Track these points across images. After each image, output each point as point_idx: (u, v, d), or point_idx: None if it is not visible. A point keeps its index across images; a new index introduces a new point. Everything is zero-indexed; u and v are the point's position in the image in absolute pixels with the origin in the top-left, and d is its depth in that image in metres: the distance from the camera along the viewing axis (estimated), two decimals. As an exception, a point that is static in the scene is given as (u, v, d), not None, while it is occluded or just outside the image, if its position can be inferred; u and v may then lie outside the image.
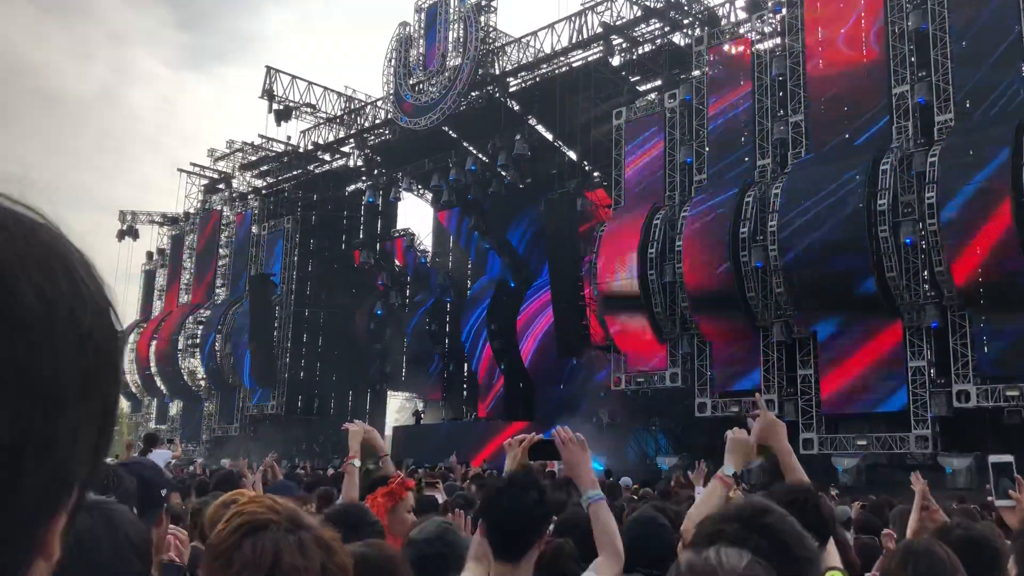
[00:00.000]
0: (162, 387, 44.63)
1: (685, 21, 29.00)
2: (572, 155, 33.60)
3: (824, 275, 22.18)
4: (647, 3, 28.95)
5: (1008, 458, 3.93)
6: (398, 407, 47.89)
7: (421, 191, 40.65)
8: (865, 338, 22.10)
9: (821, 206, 22.21)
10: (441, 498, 7.92)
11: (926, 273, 21.49)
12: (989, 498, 3.96)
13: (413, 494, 4.04)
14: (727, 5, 28.41)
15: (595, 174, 33.14)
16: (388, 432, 42.11)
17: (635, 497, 10.79)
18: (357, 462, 4.46)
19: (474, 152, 35.05)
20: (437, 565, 2.79)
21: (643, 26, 29.66)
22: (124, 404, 54.62)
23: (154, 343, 44.23)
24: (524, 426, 24.30)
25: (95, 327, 0.61)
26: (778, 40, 25.63)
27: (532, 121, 33.88)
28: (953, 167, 20.52)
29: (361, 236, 41.81)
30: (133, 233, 47.19)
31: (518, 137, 32.14)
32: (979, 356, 20.47)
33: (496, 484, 2.86)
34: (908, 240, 21.16)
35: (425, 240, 42.43)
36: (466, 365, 39.85)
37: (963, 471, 19.57)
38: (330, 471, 20.87)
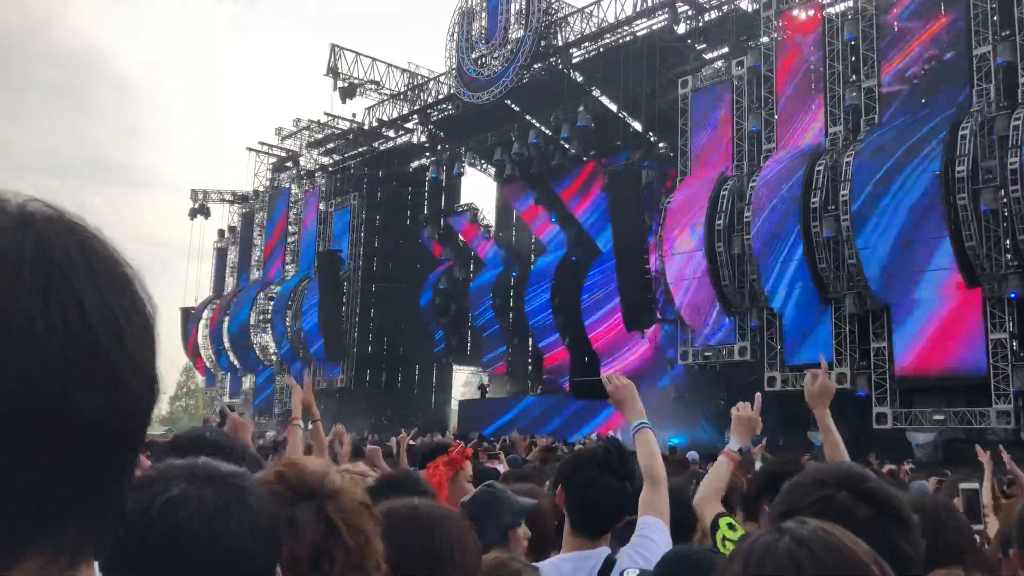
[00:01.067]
0: (235, 362, 45.72)
1: (753, -15, 28.22)
2: (637, 126, 33.12)
3: (899, 245, 21.51)
4: (713, -32, 28.27)
5: None
6: (464, 381, 48.32)
7: (484, 166, 40.61)
8: (942, 309, 21.38)
9: (895, 174, 21.50)
10: (503, 469, 7.92)
11: (1008, 242, 20.65)
12: None
13: (471, 464, 4.03)
14: (797, -33, 27.52)
15: (660, 145, 32.63)
16: (454, 406, 42.58)
17: (700, 471, 10.66)
18: (299, 423, 4.67)
19: (537, 125, 34.83)
20: (488, 510, 2.78)
21: (709, -8, 28.98)
22: (199, 379, 56.21)
23: (226, 319, 45.31)
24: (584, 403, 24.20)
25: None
26: (850, 3, 24.77)
27: (595, 92, 33.50)
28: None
29: (426, 211, 42.03)
30: (205, 212, 48.31)
31: (581, 108, 31.81)
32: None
33: (574, 454, 2.88)
34: (985, 208, 20.33)
35: (488, 215, 42.46)
36: (531, 340, 39.86)
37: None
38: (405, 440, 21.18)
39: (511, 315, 40.72)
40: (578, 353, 35.29)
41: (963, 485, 4.09)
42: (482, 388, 41.16)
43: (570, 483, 2.85)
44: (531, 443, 17.45)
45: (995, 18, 21.48)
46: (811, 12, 25.47)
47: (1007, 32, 21.28)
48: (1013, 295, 20.35)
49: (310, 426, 5.10)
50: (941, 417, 21.16)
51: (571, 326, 35.36)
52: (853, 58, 24.13)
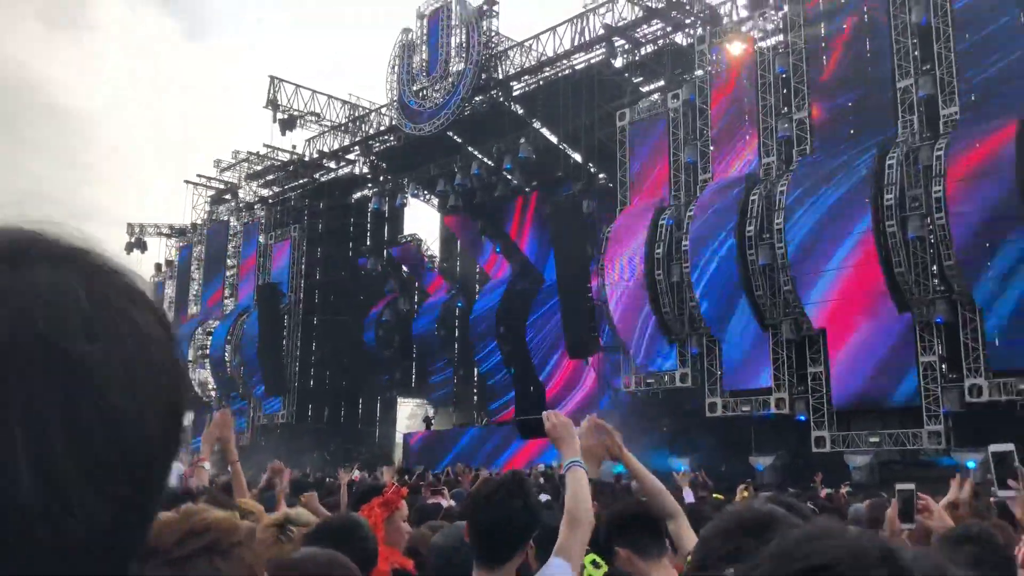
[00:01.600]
0: (173, 398, 44.64)
1: (687, 21, 28.93)
2: (577, 157, 33.57)
3: (832, 271, 22.09)
4: (648, 4, 28.91)
5: (1008, 447, 3.90)
6: (408, 414, 47.88)
7: (427, 196, 40.66)
8: (875, 334, 21.96)
9: (827, 203, 22.13)
10: (446, 504, 7.89)
11: (935, 268, 21.34)
12: (992, 488, 3.92)
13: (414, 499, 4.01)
14: (729, 3, 28.34)
15: (600, 176, 33.08)
16: (398, 439, 42.17)
17: (643, 499, 10.74)
18: (206, 465, 4.48)
19: (479, 156, 35.06)
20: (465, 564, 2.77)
21: (645, 27, 29.61)
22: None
23: (164, 354, 44.28)
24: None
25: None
26: (781, 37, 25.56)
27: (536, 124, 33.87)
28: (960, 160, 20.39)
29: (368, 243, 41.82)
30: (142, 245, 47.36)
31: (523, 140, 32.13)
32: (990, 350, 20.32)
33: (482, 489, 2.84)
34: (912, 235, 21.02)
35: (432, 245, 42.45)
36: (476, 370, 39.79)
37: (980, 466, 19.41)
38: (346, 478, 20.88)
39: (456, 345, 40.63)
40: (524, 383, 35.34)
41: (899, 486, 4.17)
42: (427, 420, 40.89)
43: (472, 514, 2.80)
44: (476, 476, 17.39)
45: (916, 53, 22.36)
46: (744, 46, 26.18)
47: (927, 66, 22.15)
48: (940, 320, 21.01)
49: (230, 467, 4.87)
50: (876, 439, 21.66)
51: (517, 356, 35.42)
52: (785, 90, 24.84)
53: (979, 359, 20.29)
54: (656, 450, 25.15)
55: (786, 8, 25.17)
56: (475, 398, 40.92)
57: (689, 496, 8.54)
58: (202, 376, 43.42)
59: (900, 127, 22.16)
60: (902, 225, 21.19)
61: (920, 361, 21.12)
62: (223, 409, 4.82)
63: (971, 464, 19.17)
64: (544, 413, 3.24)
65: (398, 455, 38.60)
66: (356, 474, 19.54)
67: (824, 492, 16.03)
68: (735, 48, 26.29)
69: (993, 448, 3.92)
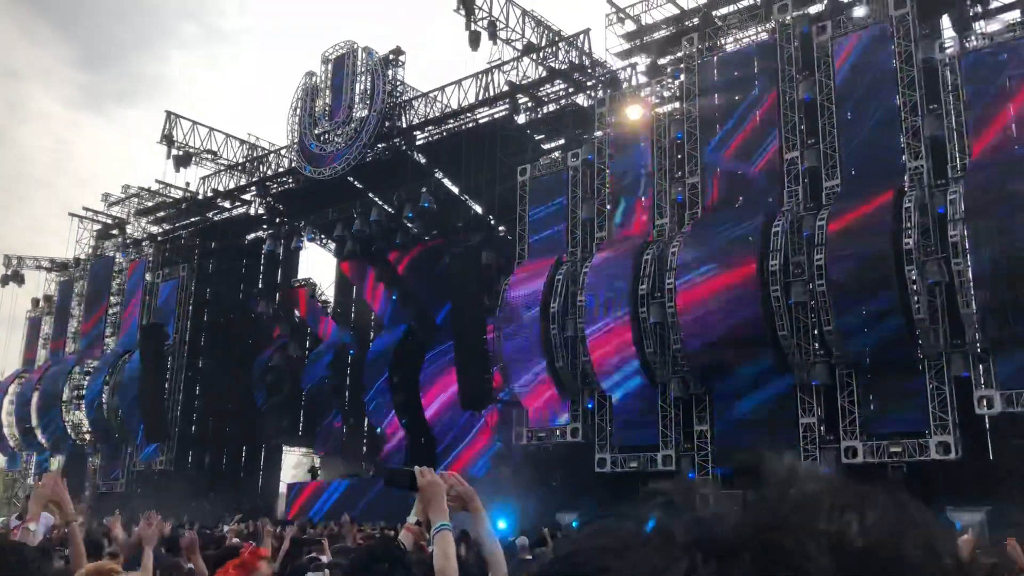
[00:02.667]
0: (43, 441, 42.26)
1: (588, 83, 29.76)
2: (478, 209, 33.82)
3: (719, 332, 22.73)
4: (551, 64, 29.64)
5: None
6: (295, 463, 46.55)
7: (324, 241, 40.12)
8: (758, 396, 22.64)
9: (715, 265, 22.85)
10: (326, 559, 7.62)
11: (815, 332, 22.21)
12: None
13: (269, 563, 3.81)
14: (628, 69, 29.31)
15: (500, 228, 33.38)
16: (283, 489, 40.87)
17: (529, 558, 10.67)
18: (33, 526, 4.08)
19: (379, 203, 34.91)
20: None
21: (548, 86, 30.30)
22: (0, 459, 51.55)
23: (36, 394, 41.99)
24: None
25: None
26: (677, 104, 26.52)
27: (438, 174, 34.03)
28: (839, 230, 21.42)
29: (260, 286, 40.86)
30: (19, 278, 45.14)
31: (424, 190, 32.19)
32: (865, 413, 21.19)
33: (357, 558, 2.75)
34: (792, 300, 21.89)
35: (327, 291, 41.78)
36: (366, 420, 39.09)
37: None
38: (224, 528, 20.05)
39: (347, 394, 39.88)
40: (415, 433, 34.89)
41: None
42: (312, 470, 39.81)
43: None
44: (359, 530, 16.93)
45: (802, 127, 23.54)
46: (642, 111, 27.04)
47: (812, 140, 23.34)
48: (815, 382, 21.84)
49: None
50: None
51: (409, 406, 34.99)
52: (679, 155, 25.70)
53: (855, 422, 21.12)
54: (546, 505, 25.13)
55: (683, 77, 26.17)
56: (364, 448, 40.13)
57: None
58: (77, 418, 41.24)
59: (786, 196, 23.19)
60: (785, 290, 22.03)
61: (800, 422, 21.84)
62: (49, 472, 4.50)
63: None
64: (418, 469, 3.19)
65: (281, 506, 37.37)
66: (233, 527, 18.79)
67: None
68: (633, 112, 27.13)
69: None
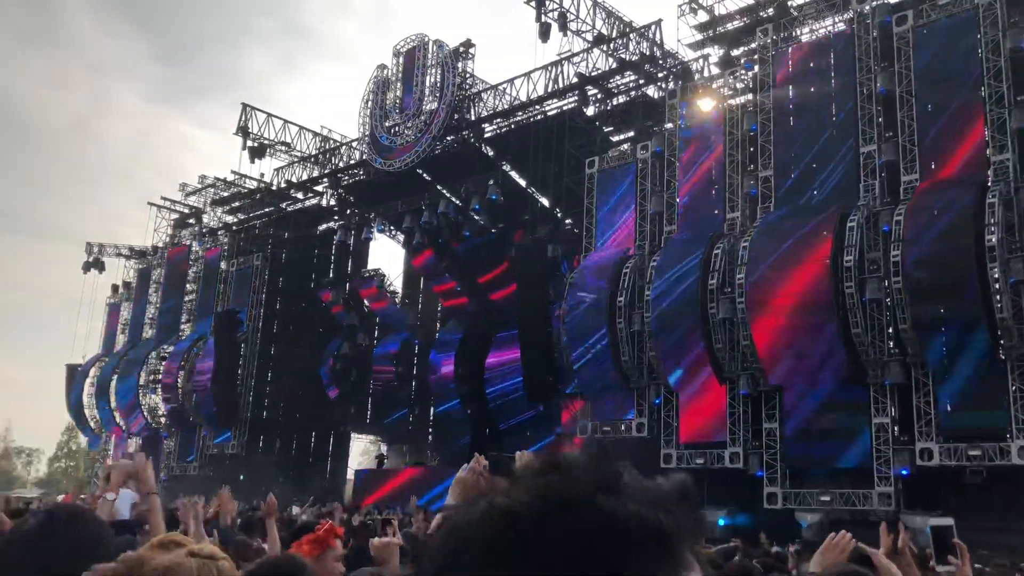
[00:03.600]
0: (121, 423, 43.72)
1: (659, 75, 29.45)
2: (544, 201, 33.79)
3: (790, 329, 22.31)
4: (622, 56, 29.39)
5: (948, 521, 3.86)
6: (362, 450, 47.36)
7: (393, 232, 40.59)
8: (830, 393, 22.16)
9: (788, 260, 22.41)
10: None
11: (890, 330, 21.64)
12: (931, 563, 3.86)
13: (341, 542, 3.87)
14: (700, 60, 28.90)
15: (567, 221, 33.30)
16: (350, 475, 41.55)
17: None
18: (111, 495, 4.23)
19: (447, 195, 35.14)
20: None
21: (617, 78, 30.08)
22: (82, 439, 53.45)
23: (115, 378, 43.45)
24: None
25: None
26: (750, 96, 26.06)
27: (506, 167, 34.09)
28: (919, 225, 20.81)
29: (331, 275, 41.56)
30: (99, 265, 46.70)
31: (491, 182, 32.28)
32: (942, 414, 20.57)
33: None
34: (866, 297, 21.35)
35: (395, 281, 42.29)
36: (432, 409, 39.46)
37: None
38: (295, 510, 20.47)
39: (414, 383, 40.32)
40: (480, 425, 35.10)
41: (933, 522, 3.99)
42: (380, 458, 40.35)
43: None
44: (427, 514, 17.09)
45: (880, 119, 22.90)
46: (713, 103, 26.66)
47: (890, 133, 22.68)
48: (887, 382, 21.27)
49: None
50: (828, 498, 21.72)
51: (474, 397, 35.22)
52: (752, 148, 25.26)
53: (931, 423, 20.52)
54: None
55: (756, 69, 25.71)
56: (430, 437, 40.54)
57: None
58: (152, 402, 42.57)
59: (862, 191, 22.61)
60: (860, 287, 21.50)
61: (873, 422, 21.32)
62: (140, 453, 4.57)
63: (928, 530, 19.21)
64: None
65: (348, 491, 38.00)
66: (297, 510, 19.18)
67: (774, 551, 16.01)
68: (705, 104, 26.76)
69: (933, 523, 3.88)
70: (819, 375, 22.30)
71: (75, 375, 46.09)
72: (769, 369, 22.89)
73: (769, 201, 24.37)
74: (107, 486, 4.46)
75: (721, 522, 21.87)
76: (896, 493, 20.66)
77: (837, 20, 25.02)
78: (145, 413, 42.51)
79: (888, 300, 21.36)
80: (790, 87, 24.94)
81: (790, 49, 25.24)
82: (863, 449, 21.31)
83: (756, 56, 25.93)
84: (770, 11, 26.68)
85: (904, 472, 20.66)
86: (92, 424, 45.84)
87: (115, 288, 47.85)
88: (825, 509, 21.75)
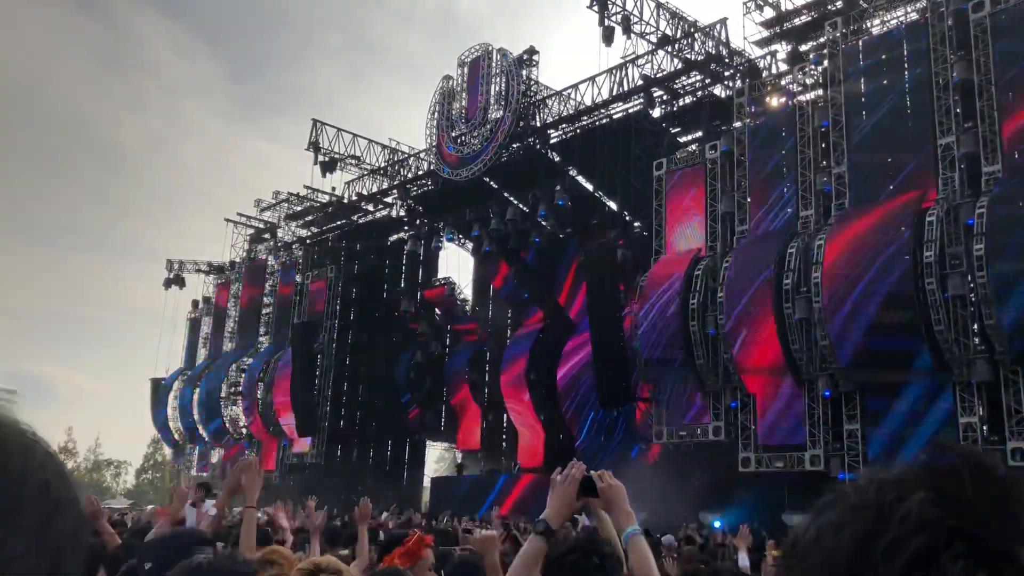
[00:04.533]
0: (204, 435, 44.98)
1: (726, 73, 29.11)
2: (612, 205, 33.67)
3: (870, 327, 21.79)
4: (688, 56, 29.14)
5: None
6: (437, 457, 47.74)
7: (462, 241, 40.93)
8: (914, 392, 21.56)
9: (866, 257, 21.90)
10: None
11: (975, 327, 20.96)
12: None
13: (433, 551, 3.94)
14: (768, 57, 28.49)
15: (636, 224, 33.11)
16: (426, 483, 41.96)
17: (675, 556, 10.56)
18: (213, 509, 4.42)
19: (515, 202, 35.28)
20: None
21: (683, 78, 29.83)
22: (167, 451, 55.11)
23: (197, 391, 44.73)
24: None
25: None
26: (820, 92, 25.57)
27: (572, 172, 34.07)
28: (1002, 219, 20.13)
29: (403, 285, 42.10)
30: (180, 282, 48.16)
31: (558, 188, 32.31)
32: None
33: (559, 548, 2.82)
34: (948, 294, 20.72)
35: (465, 289, 42.60)
36: (505, 416, 39.59)
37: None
38: (383, 516, 20.78)
39: (486, 390, 40.52)
40: (553, 430, 35.08)
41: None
42: (459, 466, 40.63)
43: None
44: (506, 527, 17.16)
45: (958, 110, 22.22)
46: (782, 100, 26.24)
47: (969, 124, 21.98)
48: (973, 380, 20.58)
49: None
50: (914, 501, 21.10)
51: (546, 402, 35.21)
52: (823, 144, 24.77)
53: (1022, 422, 19.80)
54: (688, 505, 24.79)
55: (826, 63, 25.21)
56: (503, 444, 40.67)
57: (744, 559, 8.33)
58: (234, 413, 43.68)
59: (941, 184, 21.96)
60: (941, 283, 20.88)
61: (960, 422, 20.66)
62: (251, 456, 4.74)
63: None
64: (596, 473, 3.09)
65: (425, 499, 38.38)
66: (386, 515, 19.47)
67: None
68: (774, 101, 26.36)
69: None
70: (901, 374, 21.71)
71: (159, 389, 47.61)
72: (849, 370, 22.37)
73: (844, 198, 23.85)
74: (199, 495, 4.63)
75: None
76: (987, 495, 19.95)
77: (909, 10, 24.41)
78: (227, 424, 43.65)
79: (972, 296, 20.71)
80: (862, 81, 24.38)
81: (860, 42, 24.69)
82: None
83: (825, 51, 25.42)
84: (839, 4, 26.16)
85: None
86: (176, 436, 47.26)
87: (195, 303, 49.29)
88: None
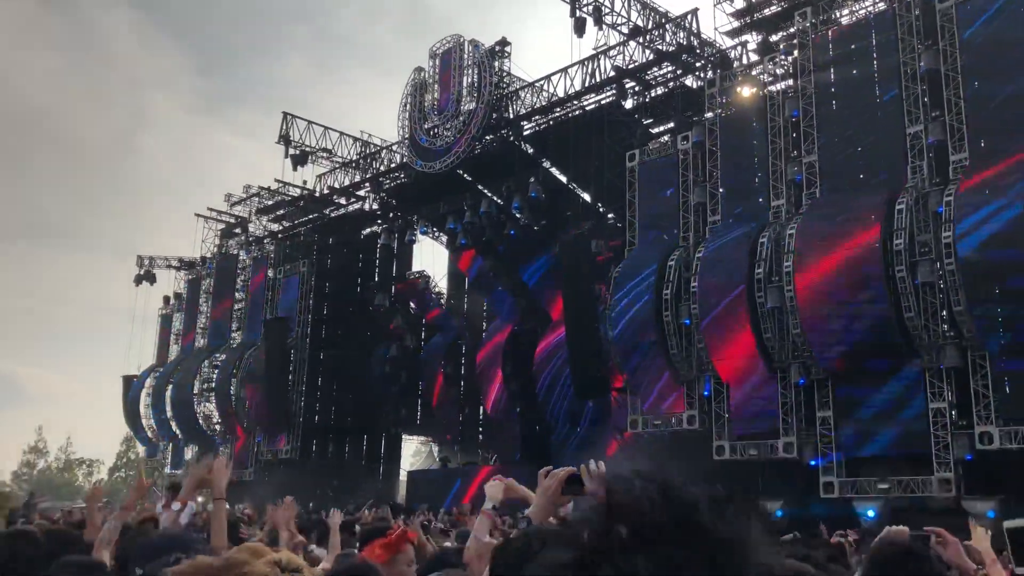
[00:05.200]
0: (178, 431, 44.57)
1: (697, 64, 29.22)
2: (586, 197, 33.71)
3: (841, 315, 22.01)
4: (659, 47, 29.22)
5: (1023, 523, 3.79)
6: (413, 451, 47.66)
7: (436, 234, 40.81)
8: (884, 380, 21.80)
9: (836, 246, 22.10)
10: (450, 545, 7.76)
11: (944, 313, 21.24)
12: (1009, 565, 3.77)
13: (413, 547, 3.90)
14: (738, 48, 28.63)
15: (609, 215, 33.19)
16: (403, 476, 41.89)
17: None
18: (177, 506, 4.44)
19: (488, 194, 35.21)
20: None
21: (655, 69, 29.90)
22: (140, 449, 54.61)
23: (170, 387, 44.30)
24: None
25: None
26: (791, 82, 25.73)
27: (546, 164, 34.06)
28: (970, 205, 20.40)
29: (376, 279, 41.89)
30: (150, 278, 47.61)
31: (532, 180, 32.27)
32: (1001, 397, 20.13)
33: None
34: (917, 281, 20.98)
35: (440, 282, 42.51)
36: (481, 408, 39.62)
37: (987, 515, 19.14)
38: (364, 511, 20.64)
39: (462, 383, 40.51)
40: (530, 422, 35.17)
41: (1008, 524, 3.92)
42: (444, 460, 40.57)
43: None
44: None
45: (926, 99, 22.46)
46: (753, 90, 26.37)
47: (937, 112, 22.24)
48: (943, 365, 20.87)
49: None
50: (886, 486, 21.40)
51: (523, 395, 35.29)
52: (794, 134, 24.95)
53: (989, 406, 20.10)
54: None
55: (796, 53, 25.38)
56: (480, 436, 40.69)
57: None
58: (207, 410, 43.31)
59: (910, 172, 22.20)
60: (911, 271, 21.13)
61: (930, 407, 20.94)
62: (220, 456, 4.67)
63: (991, 513, 18.77)
64: (586, 467, 2.90)
65: (402, 493, 38.30)
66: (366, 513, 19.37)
67: (835, 539, 15.80)
68: (745, 91, 26.49)
69: (1008, 524, 3.81)
70: (872, 361, 21.96)
71: (131, 386, 47.09)
72: (820, 356, 22.59)
73: (814, 187, 24.05)
74: (170, 495, 4.56)
75: (779, 513, 21.65)
76: (956, 479, 20.28)
77: (877, 0, 24.60)
78: (200, 421, 43.27)
79: (941, 283, 20.97)
80: (831, 70, 24.58)
81: (830, 32, 24.89)
82: (919, 435, 20.93)
83: (795, 41, 25.59)
84: (808, -6, 26.32)
85: (967, 457, 20.26)
86: (149, 433, 46.77)
87: (166, 299, 48.76)
88: (884, 497, 21.43)
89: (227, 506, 4.68)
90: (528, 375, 34.58)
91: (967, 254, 20.23)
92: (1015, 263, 19.59)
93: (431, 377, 40.21)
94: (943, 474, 20.37)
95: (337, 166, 41.07)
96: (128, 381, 47.37)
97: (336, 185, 41.18)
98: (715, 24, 28.87)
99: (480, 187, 35.66)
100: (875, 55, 23.72)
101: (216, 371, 42.85)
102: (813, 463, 22.72)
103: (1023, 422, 19.63)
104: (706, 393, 25.35)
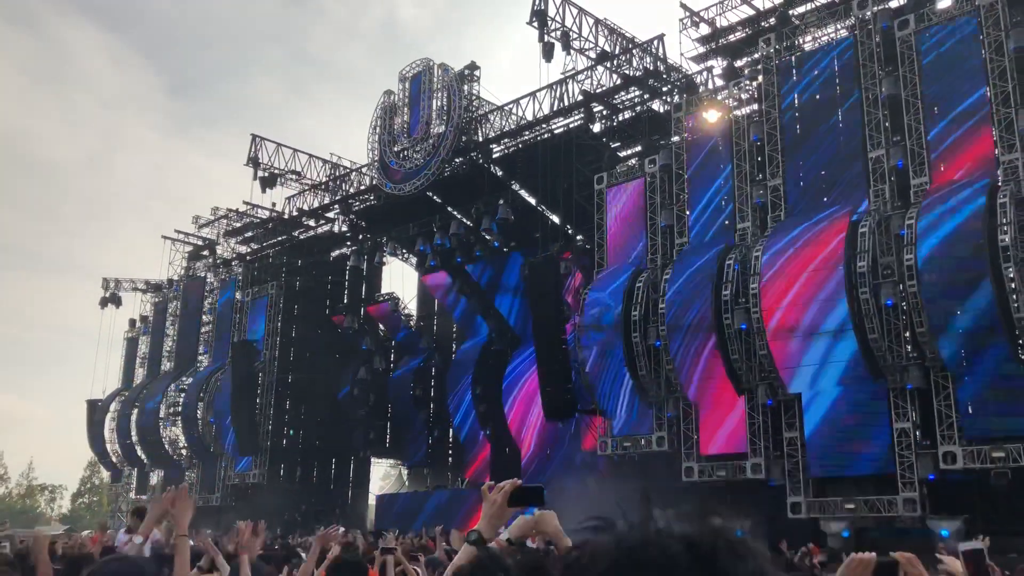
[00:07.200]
0: (143, 456, 43.90)
1: (664, 88, 29.57)
2: (555, 219, 33.89)
3: (806, 337, 22.25)
4: (626, 72, 29.54)
5: (979, 546, 3.86)
6: (382, 474, 47.29)
7: (406, 255, 40.78)
8: (848, 400, 22.04)
9: (801, 269, 22.38)
10: (422, 573, 7.70)
11: (908, 334, 21.55)
12: None
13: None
14: (704, 73, 29.04)
15: (578, 237, 33.37)
16: (371, 500, 41.53)
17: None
18: (139, 539, 4.39)
19: (458, 216, 35.28)
20: None
21: (623, 94, 30.22)
22: (104, 474, 53.69)
23: (135, 411, 43.67)
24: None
25: None
26: (755, 106, 26.12)
27: (515, 186, 34.23)
28: (930, 228, 20.77)
29: (345, 301, 41.72)
30: (116, 300, 47.07)
31: (501, 202, 32.41)
32: (963, 417, 20.42)
33: (460, 570, 2.76)
34: (889, 301, 21.28)
35: (410, 304, 42.41)
36: (451, 431, 39.44)
37: (953, 534, 19.38)
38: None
39: (432, 405, 40.31)
40: (500, 444, 35.05)
41: (964, 546, 3.93)
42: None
43: None
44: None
45: (887, 124, 22.91)
46: (719, 114, 26.72)
47: (898, 137, 22.69)
48: (909, 386, 21.15)
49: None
50: (852, 506, 21.58)
51: (492, 416, 35.18)
52: (759, 158, 25.30)
53: (953, 426, 20.38)
54: (632, 516, 24.92)
55: (760, 79, 25.78)
56: (450, 459, 40.48)
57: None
58: (173, 434, 42.71)
59: (872, 196, 22.59)
60: (875, 292, 21.44)
61: (895, 427, 21.19)
62: (181, 486, 4.60)
63: (945, 533, 19.15)
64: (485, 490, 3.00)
65: (371, 517, 37.97)
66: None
67: (798, 556, 15.93)
68: (710, 116, 26.84)
69: (963, 547, 3.87)
70: (837, 382, 22.20)
71: (96, 410, 46.35)
72: (787, 378, 22.81)
73: (779, 210, 24.38)
74: (135, 522, 4.51)
75: (738, 533, 21.68)
76: (921, 498, 20.51)
77: (839, 27, 25.12)
78: (167, 445, 42.66)
79: (904, 304, 21.30)
80: (795, 96, 25.01)
81: (793, 58, 25.33)
82: (885, 455, 21.16)
83: (760, 66, 26.01)
84: (772, 21, 26.80)
85: (931, 477, 20.50)
86: (114, 458, 46.02)
87: (132, 322, 48.18)
88: (850, 517, 21.61)
89: (190, 542, 4.64)
90: (497, 397, 34.50)
91: (928, 277, 20.56)
92: (974, 283, 19.92)
93: (400, 400, 39.98)
94: (908, 494, 20.59)
95: (306, 188, 40.97)
96: (92, 405, 46.62)
97: (305, 207, 41.04)
98: (681, 50, 29.31)
99: (450, 209, 35.74)
100: (837, 80, 24.17)
101: (183, 395, 42.32)
102: (773, 483, 22.88)
103: (987, 442, 19.92)
104: (669, 415, 25.46)
